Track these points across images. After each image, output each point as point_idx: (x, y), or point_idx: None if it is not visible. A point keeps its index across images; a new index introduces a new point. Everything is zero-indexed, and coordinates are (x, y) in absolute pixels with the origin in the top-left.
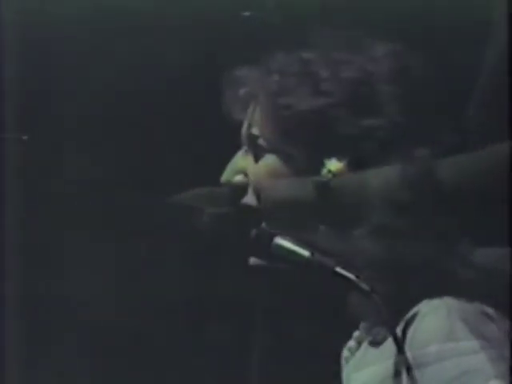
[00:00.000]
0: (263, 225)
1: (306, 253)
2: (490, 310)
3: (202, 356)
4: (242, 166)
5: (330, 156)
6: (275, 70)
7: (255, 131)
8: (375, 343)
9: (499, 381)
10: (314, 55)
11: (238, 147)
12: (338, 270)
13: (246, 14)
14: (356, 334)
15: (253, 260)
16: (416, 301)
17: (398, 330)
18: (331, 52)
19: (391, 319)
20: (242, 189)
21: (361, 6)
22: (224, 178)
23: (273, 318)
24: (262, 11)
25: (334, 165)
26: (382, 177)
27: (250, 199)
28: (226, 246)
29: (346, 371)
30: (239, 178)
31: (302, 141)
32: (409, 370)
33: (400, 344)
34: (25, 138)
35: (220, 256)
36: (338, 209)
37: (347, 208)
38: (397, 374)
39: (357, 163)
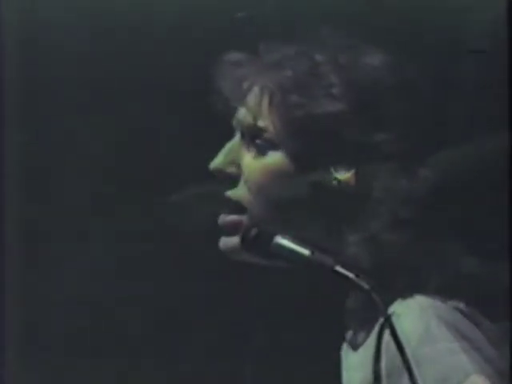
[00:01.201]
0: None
1: (306, 252)
2: (463, 306)
3: (202, 356)
4: (236, 157)
5: (335, 162)
6: (287, 66)
7: (261, 124)
8: (354, 346)
9: (479, 376)
10: (324, 58)
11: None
12: (338, 268)
13: (241, 14)
14: (349, 334)
15: (251, 258)
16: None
17: (375, 333)
18: (338, 56)
19: (390, 317)
20: (233, 181)
21: (360, 11)
22: (215, 164)
23: (270, 318)
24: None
25: (341, 174)
26: (385, 189)
27: (240, 192)
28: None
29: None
30: (232, 169)
31: (310, 143)
32: (410, 371)
33: (400, 343)
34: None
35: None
36: (336, 213)
37: (345, 214)
38: (377, 379)
39: (363, 174)
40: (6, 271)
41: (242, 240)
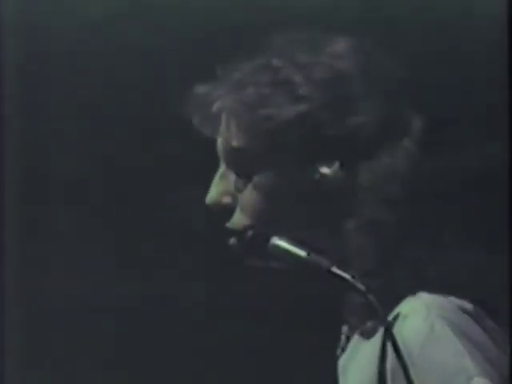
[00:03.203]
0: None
1: (302, 253)
2: (469, 305)
3: (203, 357)
4: (227, 187)
5: (320, 160)
6: (248, 82)
7: (237, 146)
8: (367, 335)
9: (482, 379)
10: (283, 61)
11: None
12: (334, 269)
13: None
14: (345, 328)
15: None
16: (402, 296)
17: (381, 334)
18: (296, 55)
19: (386, 319)
20: (230, 210)
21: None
22: (210, 199)
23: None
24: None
25: (326, 169)
26: (371, 172)
27: (237, 220)
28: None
29: (340, 368)
30: (227, 199)
31: (289, 150)
32: (405, 370)
33: (396, 344)
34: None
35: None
36: (330, 206)
37: (338, 203)
38: (381, 378)
39: (348, 163)
40: (6, 271)
41: (239, 241)
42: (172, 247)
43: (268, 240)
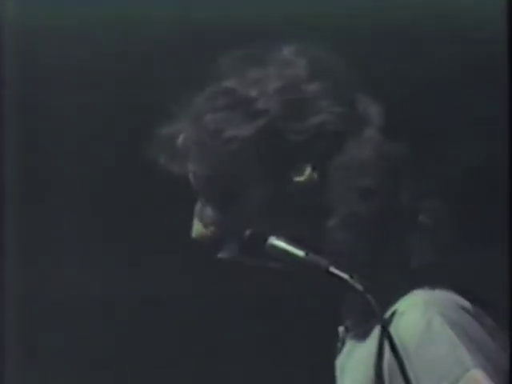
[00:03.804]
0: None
1: (300, 253)
2: (467, 303)
3: (202, 357)
4: (210, 218)
5: (290, 169)
6: (205, 110)
7: (206, 173)
8: (361, 336)
9: (479, 370)
10: (234, 81)
11: None
12: (332, 269)
13: None
14: (341, 329)
15: (246, 259)
16: (390, 291)
17: (377, 333)
18: (246, 72)
19: (384, 318)
20: (217, 239)
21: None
22: (195, 233)
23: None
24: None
25: (299, 177)
26: (342, 166)
27: (228, 249)
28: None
29: (337, 369)
30: (212, 229)
31: (259, 166)
32: (403, 368)
33: (393, 342)
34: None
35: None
36: (309, 208)
37: (315, 204)
38: (379, 376)
39: (318, 163)
40: (6, 271)
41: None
42: (172, 247)
43: (265, 240)
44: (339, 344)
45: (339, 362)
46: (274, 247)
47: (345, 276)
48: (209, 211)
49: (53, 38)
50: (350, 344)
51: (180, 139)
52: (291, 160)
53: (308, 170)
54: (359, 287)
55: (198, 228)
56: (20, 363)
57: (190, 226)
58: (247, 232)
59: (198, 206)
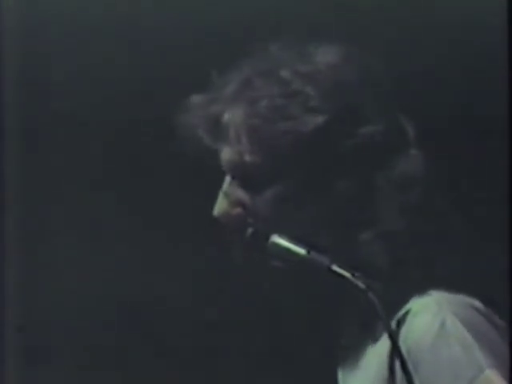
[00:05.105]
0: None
1: (302, 251)
2: (480, 305)
3: (202, 357)
4: (237, 198)
5: (335, 173)
6: (261, 95)
7: (250, 159)
8: (374, 339)
9: (494, 370)
10: (289, 72)
11: None
12: (335, 267)
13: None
14: (348, 331)
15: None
16: (412, 296)
17: (392, 329)
18: (297, 66)
19: (386, 316)
20: (240, 222)
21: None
22: (219, 211)
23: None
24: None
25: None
26: (387, 181)
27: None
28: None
29: (342, 370)
30: (237, 211)
31: (305, 163)
32: (403, 364)
33: (395, 340)
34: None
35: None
36: (343, 217)
37: (354, 216)
38: (391, 371)
39: (364, 174)
40: (6, 271)
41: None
42: (172, 247)
43: (268, 238)
44: (345, 343)
45: (342, 371)
46: (277, 245)
47: (347, 274)
48: (240, 193)
49: (53, 39)
50: (353, 353)
51: (225, 118)
52: (337, 164)
53: (352, 182)
54: (362, 285)
55: (222, 206)
56: (20, 363)
57: (188, 229)
58: (249, 230)
59: (226, 184)
